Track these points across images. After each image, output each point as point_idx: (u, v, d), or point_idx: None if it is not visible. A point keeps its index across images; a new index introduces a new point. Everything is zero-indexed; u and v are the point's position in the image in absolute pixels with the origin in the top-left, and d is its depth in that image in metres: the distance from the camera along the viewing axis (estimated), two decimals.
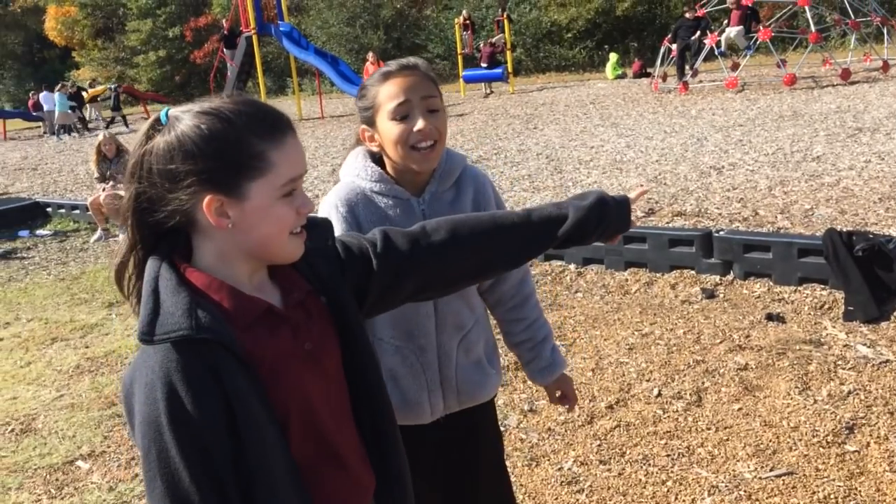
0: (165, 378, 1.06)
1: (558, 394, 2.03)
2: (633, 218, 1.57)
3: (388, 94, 1.66)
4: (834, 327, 3.99)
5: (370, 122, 1.71)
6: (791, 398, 3.31)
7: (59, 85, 24.25)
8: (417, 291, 1.43)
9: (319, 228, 1.30)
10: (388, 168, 1.74)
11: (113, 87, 26.32)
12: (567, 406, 2.04)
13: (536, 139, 11.18)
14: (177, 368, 1.07)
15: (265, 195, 1.14)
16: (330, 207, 1.71)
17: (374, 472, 1.31)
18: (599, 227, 1.50)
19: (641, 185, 1.69)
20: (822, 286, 4.44)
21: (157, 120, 1.16)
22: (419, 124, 1.64)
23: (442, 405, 1.81)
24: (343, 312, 1.28)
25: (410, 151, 1.66)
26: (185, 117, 1.13)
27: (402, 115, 1.65)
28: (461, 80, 20.46)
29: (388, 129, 1.66)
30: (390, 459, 1.32)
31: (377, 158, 1.76)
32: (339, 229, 1.66)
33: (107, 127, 22.03)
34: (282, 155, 1.15)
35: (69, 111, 22.57)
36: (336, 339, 1.27)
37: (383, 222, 1.66)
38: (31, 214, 9.52)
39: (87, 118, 25.08)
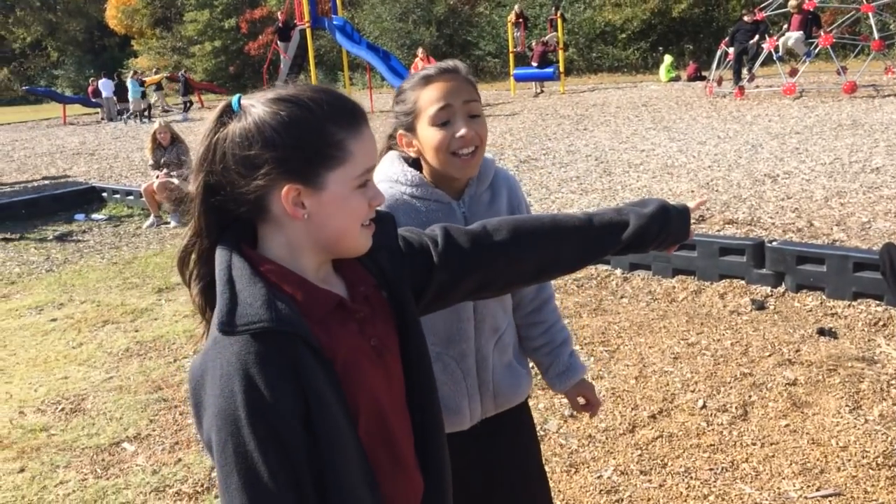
0: (243, 370, 1.03)
1: (581, 400, 1.98)
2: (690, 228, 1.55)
3: (428, 99, 1.62)
4: (888, 345, 3.87)
5: (409, 127, 1.67)
6: (841, 416, 3.22)
7: (132, 72, 25.07)
8: (475, 290, 1.41)
9: (384, 223, 1.26)
10: (426, 172, 1.71)
11: (182, 73, 27.17)
12: (591, 412, 2.00)
13: (586, 140, 11.08)
14: (255, 361, 1.03)
15: (342, 185, 1.12)
16: None
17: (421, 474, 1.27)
18: (660, 235, 1.48)
19: (701, 196, 1.64)
20: (878, 302, 4.32)
21: (228, 107, 1.13)
22: (461, 130, 1.61)
23: (480, 410, 1.79)
24: (403, 308, 1.26)
25: (451, 158, 1.63)
26: (259, 104, 1.11)
27: (444, 120, 1.61)
28: (512, 78, 20.38)
29: (429, 135, 1.63)
30: (438, 461, 1.29)
31: (412, 162, 1.73)
32: None
33: (186, 110, 22.90)
34: (359, 145, 1.13)
35: (141, 98, 23.43)
36: (396, 336, 1.24)
37: (425, 227, 1.65)
38: (88, 198, 9.78)
39: (151, 105, 25.83)
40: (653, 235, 1.47)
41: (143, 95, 23.95)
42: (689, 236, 1.54)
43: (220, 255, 1.12)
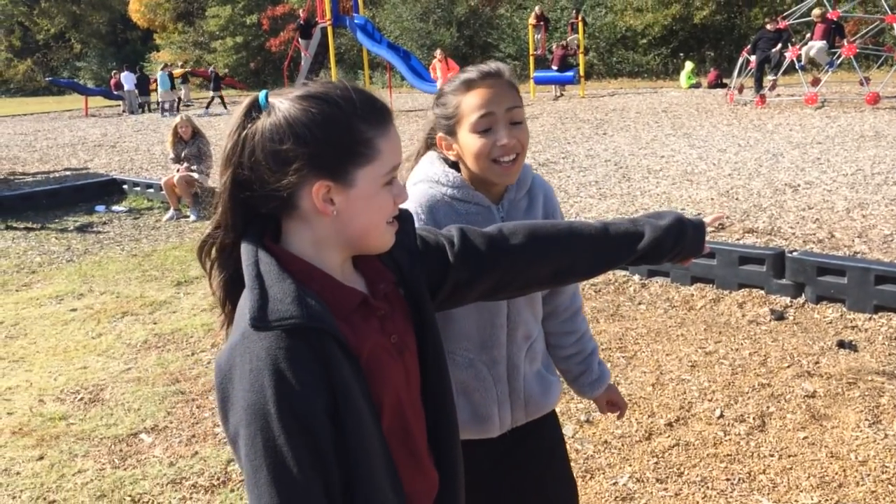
0: (273, 365, 1.04)
1: (607, 402, 2.01)
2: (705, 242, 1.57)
3: (470, 105, 1.60)
4: None
5: (450, 131, 1.65)
6: (860, 430, 3.20)
7: (162, 65, 25.37)
8: (489, 292, 1.42)
9: (404, 221, 1.27)
10: (465, 175, 1.69)
11: (212, 69, 27.51)
12: (618, 412, 2.03)
13: (605, 145, 11.05)
14: (286, 356, 1.04)
15: (371, 183, 1.13)
16: None
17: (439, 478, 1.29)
18: (675, 248, 1.50)
19: (721, 207, 1.62)
20: None
21: (255, 103, 1.13)
22: (503, 139, 1.58)
23: (510, 418, 1.78)
24: (420, 306, 1.27)
25: (492, 165, 1.61)
26: (287, 101, 1.11)
27: (485, 127, 1.59)
28: (532, 81, 20.36)
29: (470, 142, 1.61)
30: (451, 458, 1.31)
31: (452, 163, 1.72)
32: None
33: (208, 106, 23.16)
34: (387, 142, 1.14)
35: (171, 90, 23.83)
36: (413, 333, 1.26)
37: None
38: (108, 190, 9.87)
39: (180, 98, 26.09)
40: (668, 248, 1.48)
41: (173, 87, 24.22)
42: (703, 251, 1.56)
43: (247, 251, 1.12)
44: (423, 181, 1.69)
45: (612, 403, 2.00)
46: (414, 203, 1.63)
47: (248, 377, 1.05)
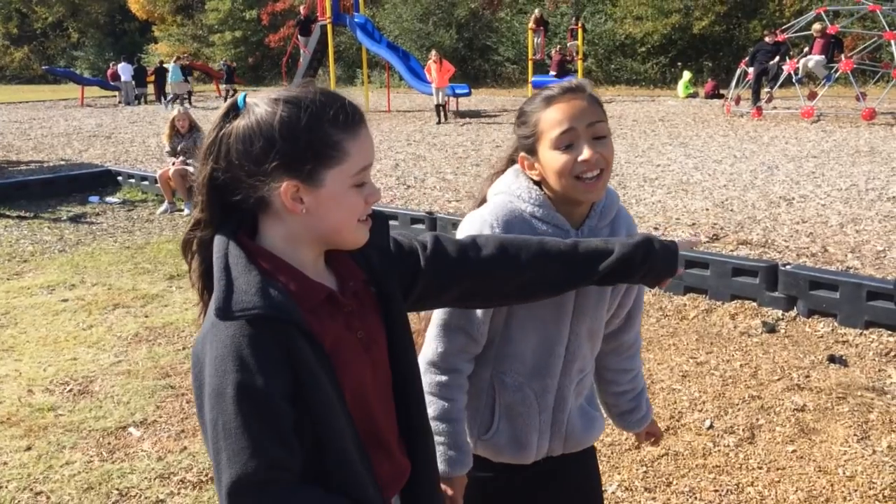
0: (237, 352, 1.10)
1: (646, 433, 2.01)
2: (679, 267, 1.58)
3: (550, 122, 1.55)
4: None
5: (531, 150, 1.60)
6: (849, 446, 3.21)
7: (175, 57, 25.30)
8: (458, 299, 1.49)
9: (378, 222, 1.33)
10: (547, 196, 1.63)
11: (224, 63, 27.44)
12: (655, 443, 2.07)
13: None
14: (248, 344, 1.10)
15: (339, 183, 1.19)
16: (482, 224, 1.61)
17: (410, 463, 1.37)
18: (644, 265, 1.52)
19: (696, 235, 1.57)
20: (890, 332, 4.30)
21: (234, 104, 1.20)
22: (584, 153, 1.53)
23: (547, 448, 1.74)
24: (391, 305, 1.33)
25: (575, 182, 1.55)
26: (263, 104, 1.17)
27: (567, 143, 1.54)
28: (530, 85, 20.38)
29: (551, 159, 1.56)
30: (422, 448, 1.38)
31: (535, 183, 1.66)
32: None
33: (227, 97, 23.07)
34: (356, 145, 1.19)
35: (183, 82, 23.68)
36: (383, 330, 1.32)
37: None
38: (102, 181, 9.83)
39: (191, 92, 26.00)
40: (636, 264, 1.51)
41: (186, 80, 24.17)
42: (675, 272, 1.57)
43: (219, 244, 1.19)
44: (505, 193, 1.65)
45: (651, 434, 2.01)
46: (490, 214, 1.61)
47: (213, 364, 1.11)
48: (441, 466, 1.63)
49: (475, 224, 1.62)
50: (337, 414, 1.17)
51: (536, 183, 1.64)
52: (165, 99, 23.93)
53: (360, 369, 1.25)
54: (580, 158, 1.53)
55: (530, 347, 1.64)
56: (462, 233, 1.62)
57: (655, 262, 1.53)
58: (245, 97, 1.20)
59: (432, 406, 1.63)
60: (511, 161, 1.70)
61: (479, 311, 1.61)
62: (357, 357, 1.24)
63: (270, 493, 1.10)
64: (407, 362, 1.35)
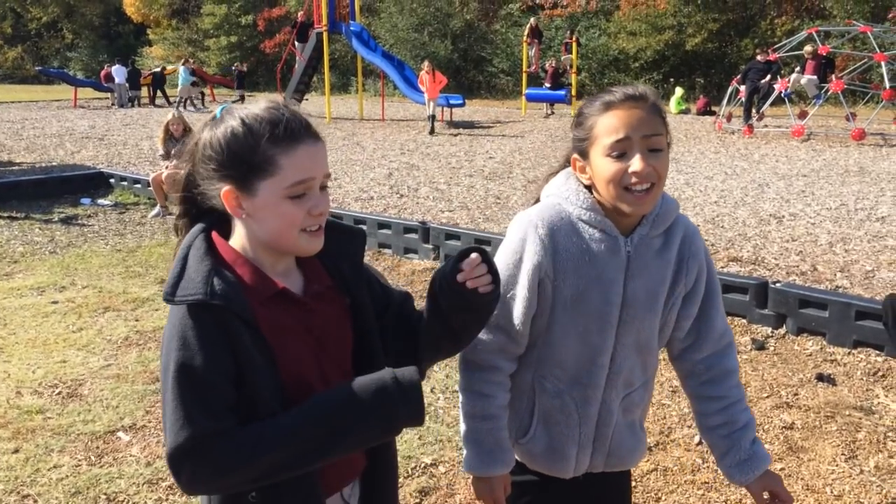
0: (181, 334, 1.25)
1: (766, 495, 1.66)
2: (467, 286, 1.37)
3: (606, 128, 1.50)
4: (887, 396, 3.89)
5: (583, 153, 1.56)
6: (836, 465, 3.23)
7: (183, 60, 25.34)
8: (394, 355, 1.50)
9: (354, 237, 1.48)
10: (597, 200, 1.59)
11: (234, 68, 27.68)
12: None
13: None
14: (191, 326, 1.25)
15: (272, 194, 1.30)
16: (528, 225, 1.58)
17: (366, 456, 1.47)
18: (444, 298, 1.41)
19: (474, 254, 1.35)
20: (878, 352, 4.34)
21: (214, 115, 1.37)
22: (636, 165, 1.47)
23: (588, 463, 1.69)
24: (361, 314, 1.45)
25: (623, 192, 1.50)
26: (229, 118, 1.33)
27: (619, 152, 1.49)
28: (523, 97, 20.47)
29: (602, 166, 1.51)
30: (382, 448, 1.46)
31: (586, 187, 1.62)
32: (531, 249, 1.57)
33: (241, 100, 23.09)
34: (290, 160, 1.30)
35: (191, 85, 23.82)
36: (350, 335, 1.43)
37: (584, 255, 1.55)
38: (95, 183, 9.79)
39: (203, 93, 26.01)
40: (444, 300, 1.41)
41: (195, 84, 24.22)
42: (462, 293, 1.38)
43: (188, 236, 1.36)
44: (554, 196, 1.62)
45: (773, 495, 1.66)
46: (537, 216, 1.59)
47: (164, 343, 1.28)
48: (472, 463, 1.63)
49: (522, 224, 1.60)
50: (269, 395, 1.28)
51: (587, 187, 1.60)
52: (170, 103, 23.98)
53: (307, 362, 1.36)
54: (631, 169, 1.48)
55: (571, 354, 1.61)
56: (510, 231, 1.62)
57: (445, 291, 1.40)
58: (223, 109, 1.37)
59: (467, 404, 1.63)
60: (568, 161, 1.66)
61: (518, 310, 1.59)
62: (303, 350, 1.35)
63: (202, 458, 1.21)
64: (373, 366, 1.37)
